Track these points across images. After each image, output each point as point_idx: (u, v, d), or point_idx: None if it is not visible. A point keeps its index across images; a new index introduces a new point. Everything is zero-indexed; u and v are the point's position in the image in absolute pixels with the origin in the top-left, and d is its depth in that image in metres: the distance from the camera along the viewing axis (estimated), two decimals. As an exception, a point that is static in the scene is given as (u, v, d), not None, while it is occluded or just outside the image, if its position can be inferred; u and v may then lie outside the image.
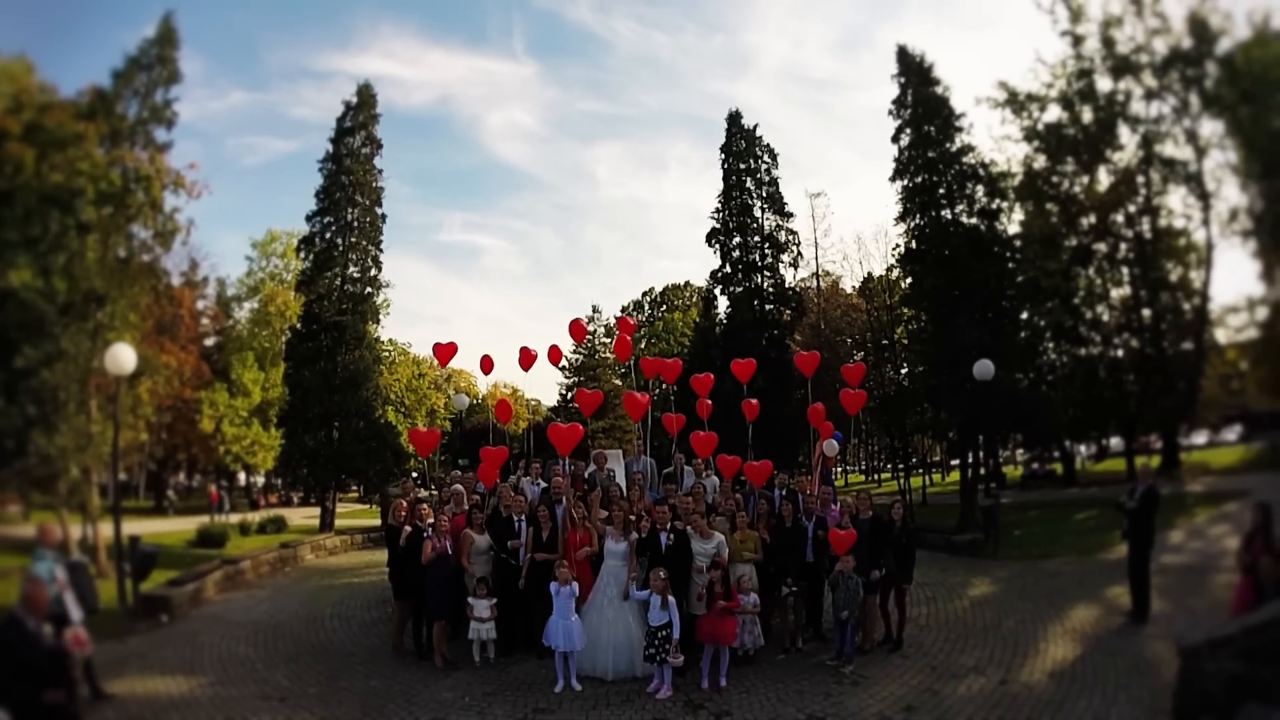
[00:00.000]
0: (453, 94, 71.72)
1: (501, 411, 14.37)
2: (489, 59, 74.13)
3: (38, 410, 18.69)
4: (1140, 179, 20.81)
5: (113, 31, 50.64)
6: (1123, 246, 21.20)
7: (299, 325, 27.09)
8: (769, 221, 30.89)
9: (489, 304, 72.42)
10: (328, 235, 27.38)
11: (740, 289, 30.21)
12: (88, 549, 17.35)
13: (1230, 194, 19.46)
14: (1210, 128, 19.88)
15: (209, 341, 29.99)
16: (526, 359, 13.99)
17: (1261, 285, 18.22)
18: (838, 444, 11.55)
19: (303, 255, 27.81)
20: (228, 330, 31.69)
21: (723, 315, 31.41)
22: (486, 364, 14.76)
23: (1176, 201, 20.41)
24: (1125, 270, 21.26)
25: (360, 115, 28.18)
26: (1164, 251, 20.52)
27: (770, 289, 30.17)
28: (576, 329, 14.34)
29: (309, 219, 27.59)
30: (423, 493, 14.78)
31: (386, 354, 36.68)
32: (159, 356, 21.36)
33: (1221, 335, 19.70)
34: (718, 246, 31.02)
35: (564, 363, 39.95)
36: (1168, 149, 20.47)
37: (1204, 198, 19.85)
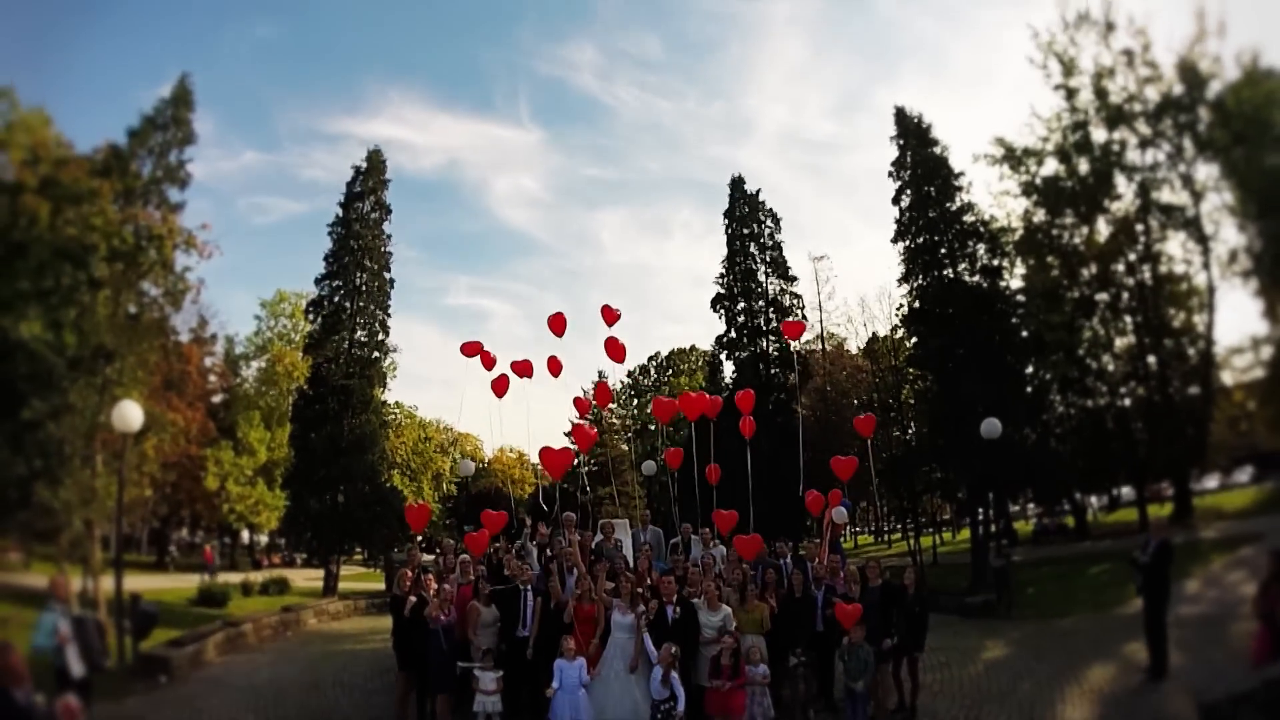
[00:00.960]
0: (460, 159, 73.45)
1: (499, 387, 13.95)
2: (495, 125, 76.03)
3: (43, 463, 18.66)
4: (1139, 227, 21.00)
5: (129, 88, 52.38)
6: (1125, 295, 21.30)
7: (306, 387, 27.07)
8: (773, 286, 30.87)
9: (495, 368, 72.62)
10: (336, 299, 27.47)
11: (745, 354, 30.09)
12: (88, 603, 17.09)
13: (1229, 236, 19.75)
14: (1205, 171, 20.25)
15: (216, 399, 29.91)
16: (524, 372, 13.71)
17: (1265, 324, 18.31)
18: (846, 511, 11.42)
19: (311, 318, 27.90)
20: (235, 388, 31.54)
21: (729, 380, 31.11)
22: (488, 360, 14.40)
23: (1176, 247, 20.66)
24: (1128, 319, 21.33)
25: (370, 180, 28.46)
26: (1166, 298, 20.63)
27: (775, 353, 29.95)
28: (553, 364, 14.15)
29: (318, 282, 27.74)
30: (428, 557, 14.62)
31: (393, 417, 36.60)
32: (166, 414, 21.33)
33: (1227, 377, 19.74)
34: (723, 311, 30.95)
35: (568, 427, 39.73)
36: (1165, 195, 20.79)
37: (1203, 241, 20.07)
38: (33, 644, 7.34)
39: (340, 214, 28.03)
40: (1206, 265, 19.98)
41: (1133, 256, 21.08)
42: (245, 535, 34.21)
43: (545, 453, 11.24)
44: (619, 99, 78.02)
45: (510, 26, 70.53)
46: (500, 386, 14.00)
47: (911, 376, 28.83)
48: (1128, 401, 21.25)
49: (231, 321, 46.76)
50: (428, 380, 73.42)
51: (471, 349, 14.21)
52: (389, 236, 28.59)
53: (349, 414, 26.15)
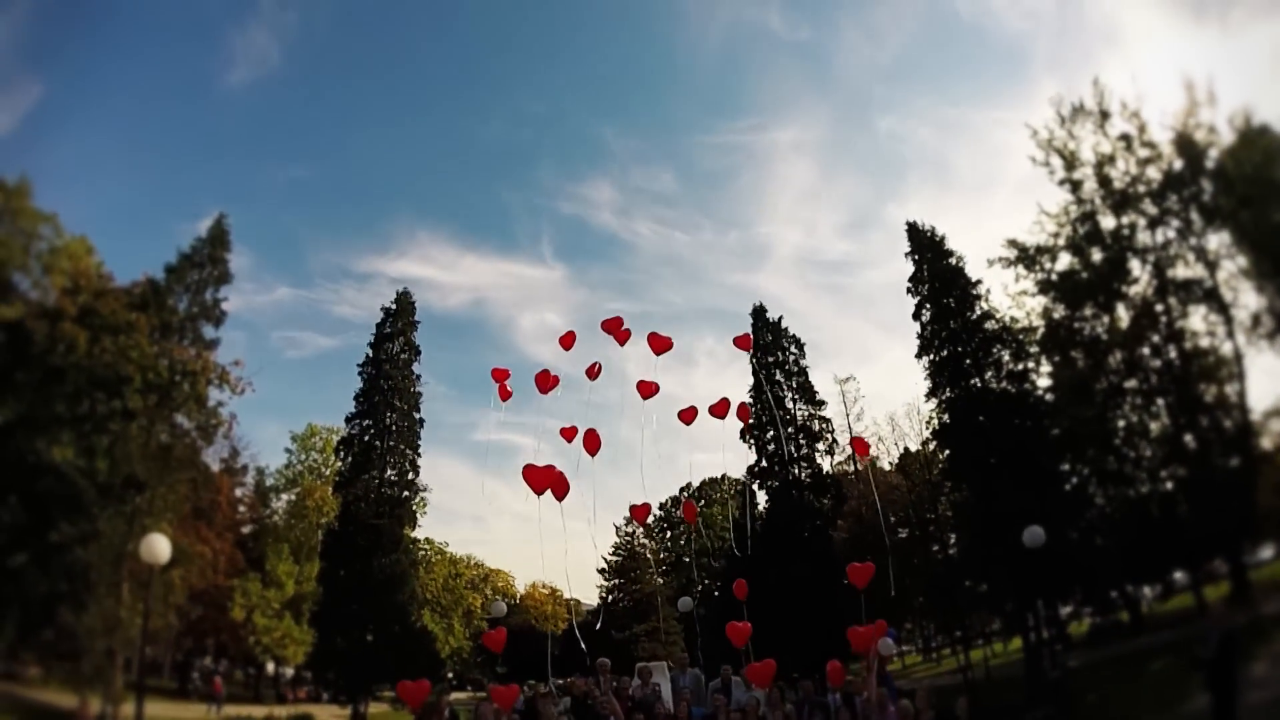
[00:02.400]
0: (486, 297, 76.69)
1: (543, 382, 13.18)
2: (520, 264, 79.24)
3: (69, 586, 18.66)
4: (1159, 307, 20.80)
5: (168, 219, 56.11)
6: (1154, 378, 20.87)
7: (336, 524, 27.00)
8: (801, 412, 30.68)
9: (525, 503, 72.78)
10: (366, 438, 27.84)
11: (778, 483, 29.55)
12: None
13: (1249, 300, 19.60)
14: (1216, 240, 20.27)
15: (245, 529, 29.99)
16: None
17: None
18: (893, 641, 10.87)
19: (342, 456, 28.22)
20: (264, 519, 31.71)
21: (762, 509, 30.34)
22: (504, 393, 13.80)
23: (1198, 321, 20.41)
24: (1160, 401, 20.79)
25: (399, 322, 29.25)
26: (1195, 374, 20.12)
27: (808, 479, 29.46)
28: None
29: (348, 421, 28.20)
30: (460, 695, 14.10)
31: (423, 553, 36.27)
32: (194, 545, 21.31)
33: (1267, 443, 19.12)
34: (752, 442, 30.27)
35: (602, 564, 39.52)
36: (1180, 271, 20.73)
37: (1224, 310, 19.85)
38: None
39: (370, 354, 28.78)
40: (1231, 334, 19.71)
41: (1156, 338, 20.82)
42: (271, 667, 33.46)
43: (528, 469, 10.93)
44: (638, 234, 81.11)
45: (531, 168, 74.97)
46: (544, 383, 13.36)
47: (947, 489, 27.82)
48: (1170, 485, 20.37)
49: (263, 453, 47.43)
50: (458, 515, 73.64)
51: (501, 375, 13.87)
52: (418, 377, 29.18)
53: (378, 552, 25.94)
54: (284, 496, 33.08)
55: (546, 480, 10.70)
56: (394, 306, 29.53)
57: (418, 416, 28.71)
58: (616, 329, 12.79)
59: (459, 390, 74.37)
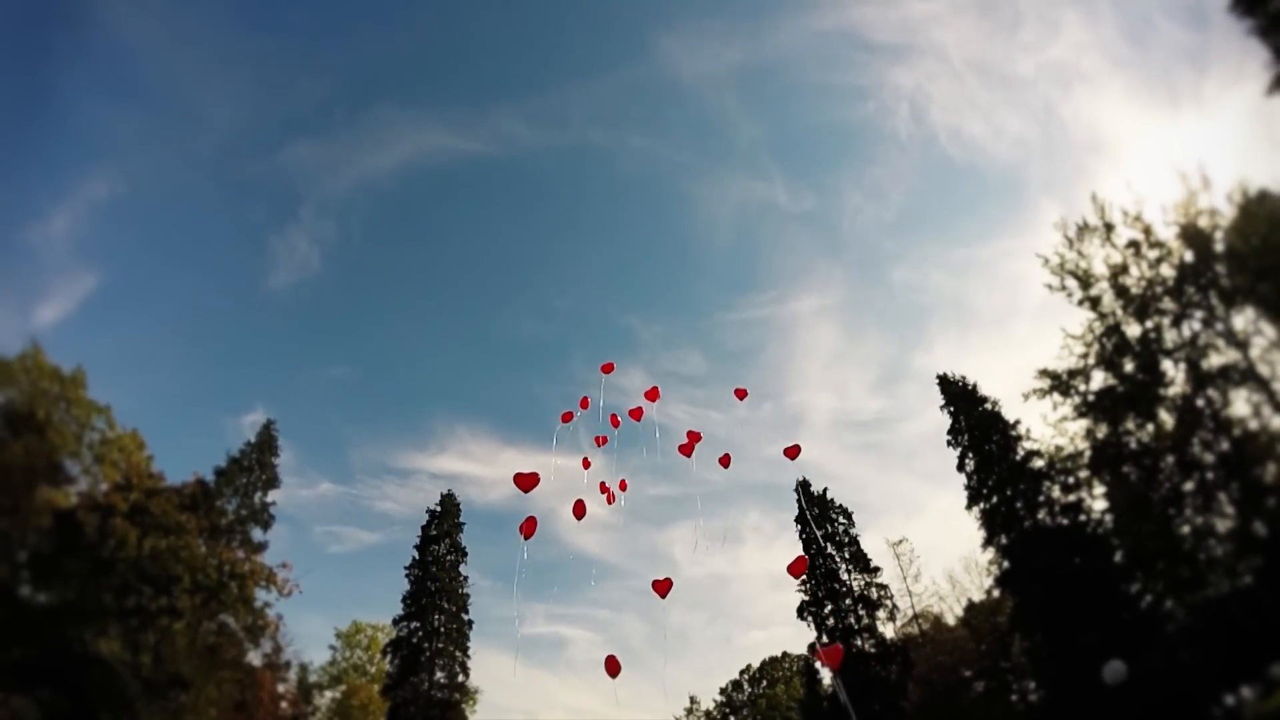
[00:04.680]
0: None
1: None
2: (558, 455, 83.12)
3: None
4: (1200, 402, 20.10)
5: (216, 414, 60.16)
6: (1210, 474, 19.74)
7: None
8: (857, 582, 30.07)
9: (577, 696, 70.23)
10: (414, 640, 27.71)
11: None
12: None
13: None
14: (1242, 320, 19.85)
15: None
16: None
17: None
18: None
19: (389, 658, 27.96)
20: (306, 716, 30.60)
21: (827, 685, 29.49)
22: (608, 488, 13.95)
23: (1242, 405, 19.57)
24: (1221, 495, 19.52)
25: (445, 524, 29.85)
26: (1251, 458, 18.97)
27: (872, 649, 28.41)
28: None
29: (396, 623, 28.22)
30: None
31: None
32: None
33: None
34: (810, 618, 29.78)
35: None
36: (1213, 360, 20.17)
37: (1265, 387, 19.10)
38: None
39: (416, 556, 29.13)
40: (1277, 408, 18.91)
41: (1204, 433, 19.93)
42: None
43: (517, 477, 11.69)
44: (671, 417, 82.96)
45: (563, 361, 79.16)
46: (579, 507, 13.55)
47: (1018, 637, 25.59)
48: (1248, 578, 18.63)
49: (307, 649, 46.86)
50: (508, 711, 70.84)
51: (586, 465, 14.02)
52: (465, 578, 29.42)
53: (430, 758, 24.93)
54: (327, 694, 32.53)
55: (535, 480, 11.69)
56: (439, 508, 30.20)
57: (466, 618, 28.71)
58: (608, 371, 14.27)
59: (504, 584, 73.71)
